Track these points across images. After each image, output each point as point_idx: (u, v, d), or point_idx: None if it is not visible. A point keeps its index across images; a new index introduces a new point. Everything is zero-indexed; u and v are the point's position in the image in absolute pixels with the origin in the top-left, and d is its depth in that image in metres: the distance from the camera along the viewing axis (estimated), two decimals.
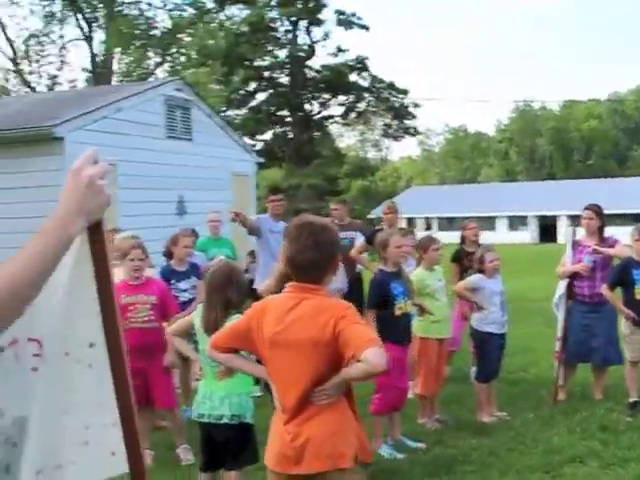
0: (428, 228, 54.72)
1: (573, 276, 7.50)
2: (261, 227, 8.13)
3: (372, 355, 2.81)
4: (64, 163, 12.12)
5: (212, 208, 10.60)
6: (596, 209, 7.62)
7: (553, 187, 59.84)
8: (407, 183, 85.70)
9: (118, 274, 6.61)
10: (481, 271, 7.01)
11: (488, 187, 65.81)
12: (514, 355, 9.49)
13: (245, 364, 3.43)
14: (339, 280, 6.29)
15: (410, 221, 55.89)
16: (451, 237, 49.99)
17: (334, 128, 42.42)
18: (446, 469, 5.63)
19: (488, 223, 55.26)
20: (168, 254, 7.55)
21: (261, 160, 19.99)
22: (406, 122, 37.40)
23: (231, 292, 4.55)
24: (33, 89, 35.38)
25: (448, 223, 59.13)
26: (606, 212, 7.73)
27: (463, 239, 8.99)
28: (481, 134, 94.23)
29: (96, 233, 1.92)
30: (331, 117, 37.21)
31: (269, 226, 8.16)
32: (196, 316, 4.81)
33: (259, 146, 35.73)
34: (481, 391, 7.06)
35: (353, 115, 37.48)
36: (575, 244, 7.60)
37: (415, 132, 39.02)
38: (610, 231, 7.74)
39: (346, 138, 77.30)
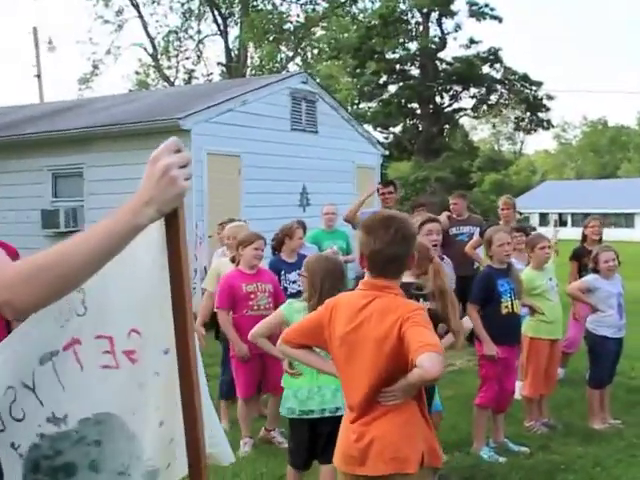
0: (560, 224, 53.05)
1: None
2: None
3: (427, 361, 2.73)
4: (190, 155, 12.49)
5: (333, 201, 10.68)
6: None
7: None
8: (542, 177, 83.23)
9: (226, 264, 6.77)
10: (596, 271, 6.71)
11: (627, 182, 62.94)
12: (635, 360, 9.05)
13: (317, 360, 3.42)
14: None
15: (543, 217, 54.39)
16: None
17: (466, 121, 41.83)
18: (545, 476, 5.44)
19: (627, 220, 53.02)
20: (278, 245, 7.64)
21: (386, 153, 19.91)
22: (539, 115, 36.28)
23: (329, 284, 4.51)
24: (171, 83, 36.65)
25: (583, 219, 56.83)
26: None
27: (584, 237, 8.68)
28: (621, 127, 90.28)
29: (172, 227, 1.86)
30: (462, 110, 36.58)
31: None
32: (291, 311, 4.80)
33: (390, 139, 35.66)
34: (593, 396, 6.76)
35: (484, 108, 36.73)
36: None
37: (549, 125, 37.74)
38: None
39: (479, 131, 76.02)
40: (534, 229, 8.90)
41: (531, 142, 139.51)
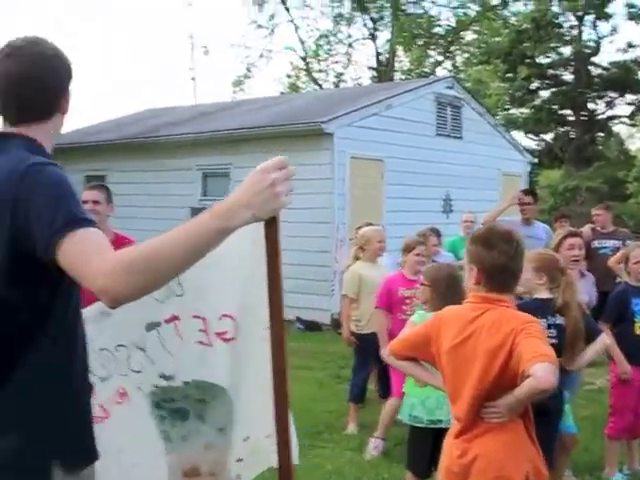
0: None
1: None
2: None
3: (541, 370, 2.65)
4: (333, 158, 12.67)
5: (477, 208, 10.54)
6: None
7: None
8: None
9: (365, 267, 6.78)
10: None
11: None
12: None
13: (423, 373, 3.42)
14: (585, 291, 5.96)
15: None
16: None
17: (622, 129, 40.07)
18: None
19: None
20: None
21: (535, 160, 19.40)
22: None
23: (454, 291, 4.45)
24: (320, 86, 37.18)
25: None
26: None
27: None
28: None
29: (271, 229, 2.04)
30: (617, 117, 35.13)
31: (518, 230, 7.90)
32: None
33: (541, 146, 34.72)
34: None
35: None
36: None
37: None
38: None
39: (637, 140, 72.53)
40: None
41: None
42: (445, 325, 3.15)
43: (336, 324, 11.04)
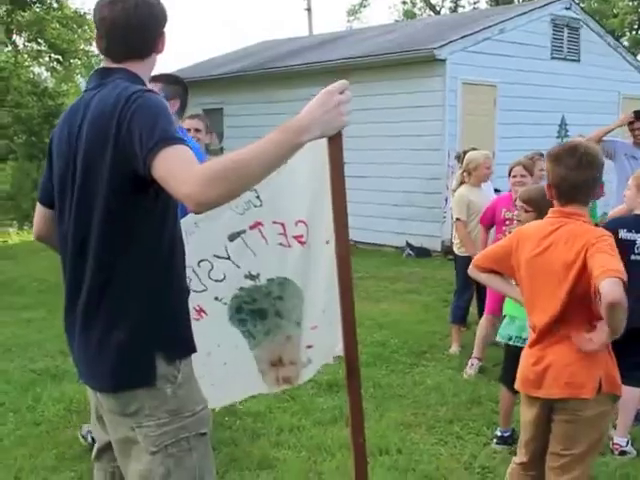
0: None
1: None
2: (616, 150, 7.78)
3: (607, 285, 2.74)
4: (445, 84, 12.63)
5: (589, 133, 10.26)
6: None
7: None
8: None
9: (471, 191, 6.84)
10: None
11: None
12: None
13: (502, 284, 3.52)
14: None
15: None
16: None
17: None
18: None
19: None
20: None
21: None
22: None
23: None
24: (436, 12, 36.38)
25: None
26: None
27: None
28: None
29: (334, 145, 2.29)
30: None
31: (626, 151, 7.79)
32: None
33: None
34: None
35: None
36: None
37: None
38: None
39: None
40: None
41: None
42: (525, 238, 3.28)
43: (447, 250, 11.17)
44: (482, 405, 5.61)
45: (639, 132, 7.88)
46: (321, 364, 2.74)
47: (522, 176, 6.21)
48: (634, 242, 4.48)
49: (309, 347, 2.63)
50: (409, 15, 40.54)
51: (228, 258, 2.54)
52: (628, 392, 4.20)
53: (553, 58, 14.61)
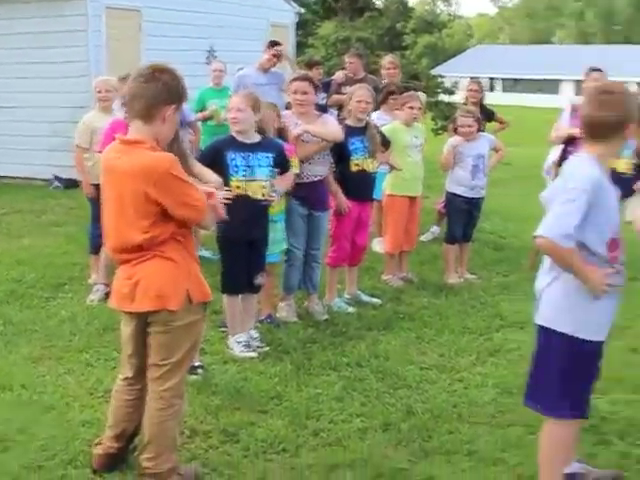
0: (490, 89, 53.24)
1: (568, 142, 7.28)
2: (240, 85, 8.17)
3: None
4: (87, 9, 12.18)
5: (243, 60, 10.58)
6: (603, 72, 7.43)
7: (627, 52, 56.87)
8: (478, 42, 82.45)
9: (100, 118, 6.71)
10: (456, 132, 7.00)
11: (558, 49, 63.09)
12: (508, 220, 9.49)
13: None
14: None
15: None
16: (514, 99, 48.19)
17: None
18: (385, 324, 5.80)
19: (551, 86, 53.32)
20: None
21: (301, 10, 19.42)
22: None
23: None
24: None
25: (513, 84, 57.35)
26: None
27: (465, 100, 8.86)
28: None
29: None
30: None
31: (253, 80, 8.17)
32: None
33: None
34: (447, 252, 7.12)
35: None
36: (575, 109, 7.35)
37: None
38: None
39: None
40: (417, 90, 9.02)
41: (468, 6, 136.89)
42: None
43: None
44: (115, 331, 5.62)
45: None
46: None
47: None
48: None
49: None
50: None
51: None
52: None
53: None
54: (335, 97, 9.02)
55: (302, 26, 25.80)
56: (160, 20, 13.43)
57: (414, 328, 5.75)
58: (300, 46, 26.34)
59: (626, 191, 7.03)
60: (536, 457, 3.45)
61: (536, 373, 3.35)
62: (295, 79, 6.03)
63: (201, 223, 3.43)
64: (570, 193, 3.07)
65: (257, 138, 5.17)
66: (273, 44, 8.86)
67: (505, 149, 7.48)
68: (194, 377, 4.65)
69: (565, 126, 7.31)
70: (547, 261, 3.29)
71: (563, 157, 7.19)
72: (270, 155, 5.16)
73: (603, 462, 3.79)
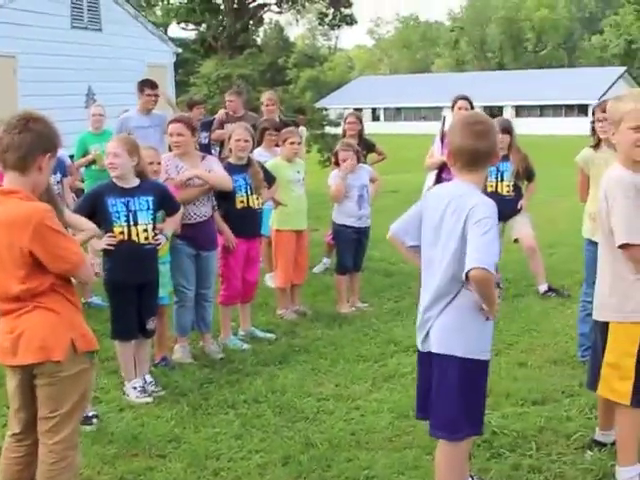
0: (373, 119, 54.55)
1: (442, 168, 7.53)
2: (123, 128, 8.13)
3: None
4: None
5: (123, 102, 10.51)
6: (469, 99, 7.74)
7: (501, 77, 59.40)
8: (360, 73, 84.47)
9: None
10: (338, 165, 7.12)
11: (437, 77, 65.21)
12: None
13: None
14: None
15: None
16: (397, 128, 49.40)
17: (282, 18, 41.39)
18: (281, 358, 5.83)
19: (435, 114, 55.01)
20: None
21: (179, 50, 19.51)
22: (343, 10, 36.47)
23: None
24: None
25: (396, 114, 58.88)
26: (552, 103, 7.76)
27: (344, 133, 8.98)
28: (432, 23, 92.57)
29: None
30: (266, 5, 36.14)
31: (136, 123, 8.14)
32: None
33: (194, 36, 34.75)
34: (339, 282, 7.23)
35: (289, 3, 36.42)
36: (446, 135, 7.61)
37: (352, 21, 38.06)
38: (557, 122, 7.78)
39: (295, 27, 75.21)
40: (297, 124, 9.17)
41: (348, 38, 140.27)
42: None
43: None
44: (2, 387, 5.44)
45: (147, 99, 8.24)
46: None
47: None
48: None
49: None
50: None
51: None
52: None
53: (74, 27, 14.54)
54: (218, 132, 9.15)
55: (182, 65, 25.92)
56: (36, 65, 13.23)
57: (310, 360, 5.80)
58: (182, 85, 26.36)
59: (510, 212, 7.46)
60: (433, 477, 3.54)
61: (437, 403, 3.42)
62: (170, 121, 6.09)
63: (78, 276, 3.34)
64: (483, 224, 3.17)
65: (136, 182, 5.13)
66: (144, 85, 8.80)
67: (383, 178, 7.69)
68: (89, 427, 4.55)
69: (437, 152, 7.61)
70: (432, 293, 3.39)
71: (437, 182, 7.49)
72: (150, 198, 5.13)
73: (496, 475, 3.92)
